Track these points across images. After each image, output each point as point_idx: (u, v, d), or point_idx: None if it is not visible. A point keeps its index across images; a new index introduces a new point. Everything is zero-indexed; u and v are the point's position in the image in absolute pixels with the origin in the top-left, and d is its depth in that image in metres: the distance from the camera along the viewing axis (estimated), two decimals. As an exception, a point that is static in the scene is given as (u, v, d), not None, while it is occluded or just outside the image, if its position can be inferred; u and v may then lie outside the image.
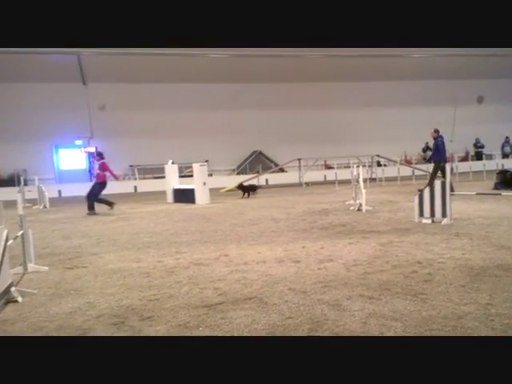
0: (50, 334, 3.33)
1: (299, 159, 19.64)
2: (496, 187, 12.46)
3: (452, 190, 11.88)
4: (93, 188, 11.47)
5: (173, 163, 14.31)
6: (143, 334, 3.29)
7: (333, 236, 6.91)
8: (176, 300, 4.08)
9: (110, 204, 11.65)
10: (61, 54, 18.01)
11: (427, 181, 12.70)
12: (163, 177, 15.25)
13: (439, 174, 12.37)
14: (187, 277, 4.88)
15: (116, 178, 12.70)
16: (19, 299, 4.15)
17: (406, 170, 18.65)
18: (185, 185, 13.80)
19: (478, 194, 9.38)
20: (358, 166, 10.76)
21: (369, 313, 3.52)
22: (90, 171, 21.57)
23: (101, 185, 11.53)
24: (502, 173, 13.08)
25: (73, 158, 21.86)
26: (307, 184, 18.79)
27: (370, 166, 19.15)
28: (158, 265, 5.50)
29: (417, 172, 18.48)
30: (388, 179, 17.90)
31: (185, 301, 4.05)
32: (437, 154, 12.51)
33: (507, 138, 23.88)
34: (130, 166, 21.78)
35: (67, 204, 14.49)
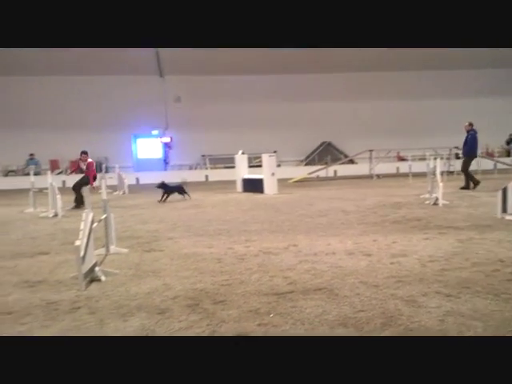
0: (131, 312, 3.56)
1: (370, 150, 19.09)
2: None
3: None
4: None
5: (243, 153, 14.54)
6: (216, 317, 3.40)
7: (406, 230, 6.66)
8: (247, 286, 4.17)
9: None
10: (140, 48, 18.89)
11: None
12: (233, 167, 15.56)
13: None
14: (257, 264, 4.97)
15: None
16: (102, 278, 4.46)
17: (488, 164, 17.45)
18: (254, 175, 13.97)
19: None
20: (435, 158, 10.25)
21: (446, 311, 3.37)
22: (165, 160, 22.57)
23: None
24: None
25: (149, 148, 22.97)
26: (378, 176, 18.25)
27: (447, 159, 18.14)
28: (229, 251, 5.64)
29: (499, 166, 17.22)
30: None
31: (255, 287, 4.13)
32: (468, 148, 12.28)
33: None
34: (202, 155, 22.46)
35: (144, 191, 15.27)
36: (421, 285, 4.02)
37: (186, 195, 11.95)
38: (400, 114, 22.03)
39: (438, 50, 20.06)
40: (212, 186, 16.81)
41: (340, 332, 3.05)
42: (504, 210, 7.23)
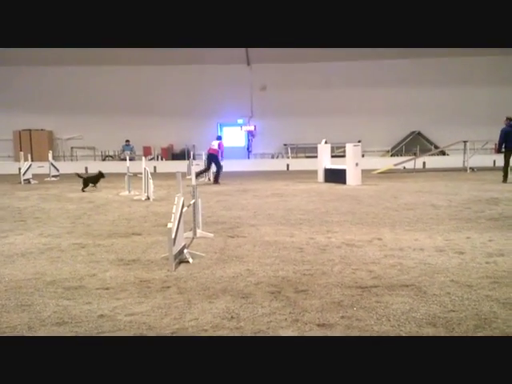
0: (216, 295, 3.70)
1: (465, 141, 17.79)
2: None
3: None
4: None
5: (326, 143, 14.33)
6: (298, 306, 3.41)
7: (504, 228, 6.16)
8: (329, 278, 4.14)
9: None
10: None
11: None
12: (315, 156, 15.42)
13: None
14: (339, 256, 4.90)
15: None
16: (190, 260, 4.68)
17: None
18: (336, 165, 13.73)
19: None
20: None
21: (548, 319, 3.07)
22: (248, 148, 22.98)
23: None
24: None
25: (234, 136, 23.53)
26: (473, 169, 17.01)
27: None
28: (311, 241, 5.62)
29: None
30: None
31: (338, 279, 4.08)
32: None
33: None
34: (284, 144, 22.52)
35: (228, 178, 15.72)
36: (521, 288, 3.70)
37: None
38: (499, 101, 20.22)
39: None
40: (293, 176, 16.81)
41: (428, 331, 2.91)
42: None
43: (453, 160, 19.06)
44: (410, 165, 18.37)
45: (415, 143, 21.29)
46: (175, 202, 4.70)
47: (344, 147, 14.11)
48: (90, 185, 12.19)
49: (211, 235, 5.96)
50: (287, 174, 18.02)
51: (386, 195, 10.21)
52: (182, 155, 21.51)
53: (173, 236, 4.32)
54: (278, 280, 4.08)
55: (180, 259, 4.67)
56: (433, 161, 19.74)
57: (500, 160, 17.98)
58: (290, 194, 10.74)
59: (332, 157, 15.35)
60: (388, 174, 16.65)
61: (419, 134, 21.87)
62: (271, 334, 2.93)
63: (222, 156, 14.43)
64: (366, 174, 15.28)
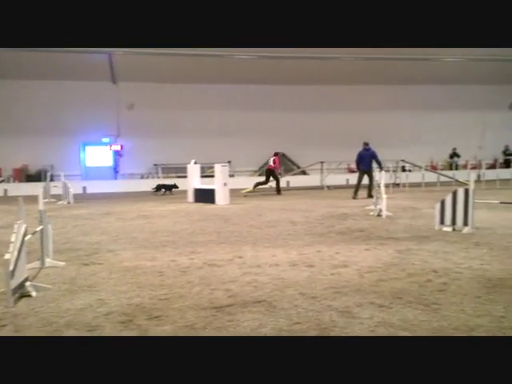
0: (60, 330, 3.40)
1: (322, 162, 19.50)
2: (524, 196, 12.06)
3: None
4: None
5: (195, 163, 14.42)
6: (149, 333, 3.31)
7: (350, 241, 6.82)
8: (186, 300, 4.11)
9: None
10: (92, 53, 18.41)
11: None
12: (186, 176, 15.38)
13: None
14: (199, 277, 4.91)
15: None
16: (33, 294, 4.24)
17: (431, 176, 18.27)
18: (206, 185, 13.89)
19: (502, 202, 9.09)
20: (380, 171, 10.59)
21: (378, 321, 3.45)
22: (115, 169, 21.98)
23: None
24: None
25: (99, 156, 22.31)
26: (329, 187, 18.65)
27: (394, 171, 18.84)
28: (172, 264, 5.54)
29: (442, 178, 18.08)
30: (412, 185, 17.57)
31: (194, 301, 4.07)
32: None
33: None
34: (155, 164, 22.09)
35: (91, 200, 14.80)
36: (357, 295, 4.11)
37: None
38: (350, 126, 22.65)
39: (387, 65, 20.90)
40: (163, 196, 16.53)
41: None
42: (442, 221, 7.56)
43: (313, 179, 20.70)
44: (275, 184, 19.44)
45: (280, 164, 22.67)
46: (15, 230, 4.24)
47: (213, 167, 14.32)
48: None
49: (62, 264, 5.50)
50: (157, 195, 17.66)
51: (251, 214, 10.60)
52: (37, 176, 19.68)
53: (11, 268, 3.87)
54: (132, 308, 3.91)
55: (21, 293, 4.20)
56: (296, 180, 21.18)
57: (352, 179, 20.12)
58: (157, 216, 10.50)
59: (203, 177, 15.48)
60: (256, 193, 17.36)
61: (283, 155, 23.34)
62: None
63: (279, 169, 17.38)
64: (236, 193, 15.72)
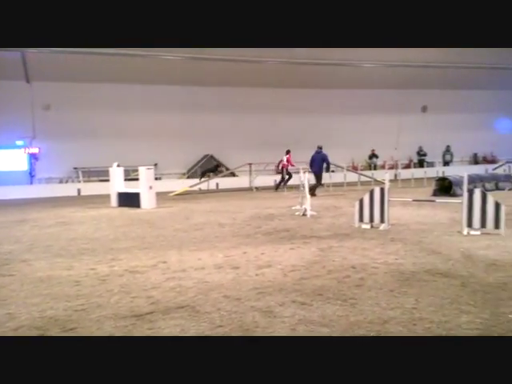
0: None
1: (250, 164, 19.68)
2: (435, 193, 13.04)
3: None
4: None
5: (118, 166, 13.89)
6: (62, 347, 3.10)
7: (275, 241, 6.92)
8: (104, 310, 3.92)
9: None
10: (3, 52, 17.03)
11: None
12: (109, 180, 14.75)
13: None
14: (119, 285, 4.71)
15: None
16: None
17: (353, 176, 19.16)
18: (130, 188, 13.43)
19: (414, 200, 9.75)
20: (304, 172, 10.88)
21: (299, 319, 3.52)
22: (30, 173, 20.56)
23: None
24: (441, 180, 13.72)
25: (13, 159, 20.72)
26: (257, 188, 18.87)
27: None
28: (91, 273, 5.27)
29: (362, 178, 19.02)
30: (335, 185, 18.29)
31: (113, 311, 3.89)
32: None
33: (448, 146, 25.13)
34: (75, 168, 20.96)
35: (3, 207, 13.68)
36: (280, 295, 4.17)
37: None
38: (278, 128, 23.10)
39: (314, 70, 21.57)
40: (84, 201, 15.72)
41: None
42: (361, 219, 7.93)
43: (241, 180, 20.81)
44: (205, 186, 19.31)
45: (209, 165, 22.55)
46: None
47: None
48: None
49: (-35, 278, 5.01)
50: (78, 200, 16.74)
51: (178, 217, 10.41)
52: None
53: None
54: (44, 321, 3.66)
55: None
56: (225, 182, 21.16)
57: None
58: (76, 222, 9.95)
59: (128, 180, 14.90)
60: (184, 195, 17.10)
61: (212, 157, 23.26)
62: None
63: (291, 166, 17.51)
64: (163, 196, 15.38)
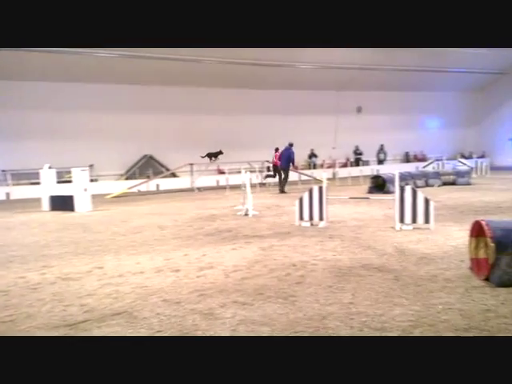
0: None
1: (191, 164, 19.46)
2: (370, 191, 13.59)
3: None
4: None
5: (50, 168, 13.18)
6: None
7: (217, 242, 6.87)
8: (34, 320, 3.68)
9: None
10: None
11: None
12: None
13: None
14: (51, 293, 4.45)
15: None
16: None
17: (293, 175, 19.50)
18: (64, 191, 12.78)
19: (350, 198, 10.10)
20: (246, 172, 10.92)
21: (240, 319, 3.51)
22: None
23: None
24: (375, 178, 14.32)
25: None
26: (199, 189, 18.70)
27: (260, 171, 19.67)
28: (20, 281, 4.94)
29: (303, 177, 19.44)
30: (277, 184, 18.50)
31: (44, 320, 3.67)
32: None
33: (382, 145, 26.33)
34: (2, 170, 19.63)
35: None
36: (221, 296, 4.14)
37: None
38: (220, 128, 23.01)
39: (253, 70, 21.65)
40: (14, 205, 14.77)
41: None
42: (301, 217, 8.08)
43: (183, 181, 20.53)
44: (144, 187, 18.82)
45: (148, 166, 21.98)
46: None
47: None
48: None
49: None
50: (6, 204, 15.71)
51: (116, 220, 10.05)
52: None
53: None
54: (-35, 337, 3.36)
55: None
56: (166, 183, 20.76)
57: (222, 180, 20.52)
58: (3, 228, 9.31)
59: (62, 182, 14.17)
60: (122, 197, 16.57)
61: (151, 157, 22.71)
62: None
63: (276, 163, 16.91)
64: (100, 198, 14.81)
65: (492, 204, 9.78)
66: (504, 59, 24.49)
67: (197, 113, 22.78)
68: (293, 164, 16.31)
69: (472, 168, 17.89)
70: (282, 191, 15.41)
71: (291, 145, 16.27)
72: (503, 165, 25.12)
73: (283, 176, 15.92)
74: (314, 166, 24.36)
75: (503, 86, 27.16)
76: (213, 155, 18.97)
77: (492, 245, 4.07)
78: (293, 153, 16.03)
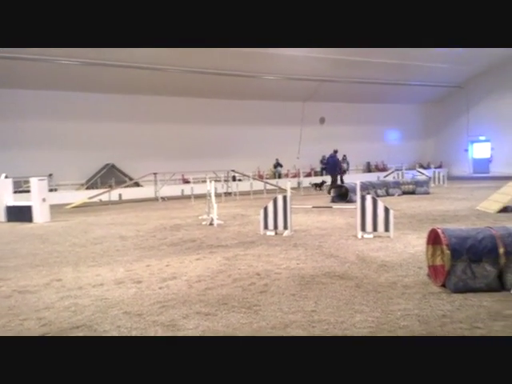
0: None
1: (155, 173, 19.20)
2: (333, 200, 13.84)
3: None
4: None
5: (6, 177, 12.68)
6: None
7: (181, 252, 6.80)
8: (-14, 337, 3.51)
9: None
10: None
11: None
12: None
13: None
14: (7, 307, 4.28)
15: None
16: None
17: (259, 185, 19.61)
18: (21, 201, 12.32)
19: (314, 207, 10.24)
20: (210, 181, 10.87)
21: (203, 330, 3.48)
22: None
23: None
24: (338, 187, 14.61)
25: None
26: (163, 199, 18.45)
27: (225, 181, 19.65)
28: (-29, 296, 4.71)
29: (268, 186, 19.57)
30: (242, 193, 18.57)
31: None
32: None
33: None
34: (-46, 180, 18.70)
35: None
36: (184, 307, 4.09)
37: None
38: (184, 137, 22.85)
39: (221, 81, 21.67)
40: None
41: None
42: (266, 226, 8.12)
43: (146, 191, 20.21)
44: (106, 197, 18.38)
45: (110, 175, 21.51)
46: None
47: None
48: None
49: None
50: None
51: (75, 231, 9.76)
52: None
53: None
54: None
55: None
56: (128, 192, 20.36)
57: (186, 189, 20.34)
58: (-45, 240, 8.85)
59: (19, 192, 13.63)
60: (83, 207, 16.12)
61: (113, 166, 22.25)
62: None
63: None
64: (59, 209, 14.38)
65: (449, 213, 10.16)
66: (461, 73, 25.69)
67: (159, 121, 22.57)
68: (340, 169, 17.86)
69: (430, 178, 18.52)
70: (329, 193, 16.18)
71: (336, 151, 17.79)
72: (459, 175, 26.22)
73: (331, 180, 17.31)
74: (279, 176, 24.57)
75: (460, 99, 28.42)
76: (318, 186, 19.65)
77: (448, 252, 4.23)
78: (338, 159, 17.76)
